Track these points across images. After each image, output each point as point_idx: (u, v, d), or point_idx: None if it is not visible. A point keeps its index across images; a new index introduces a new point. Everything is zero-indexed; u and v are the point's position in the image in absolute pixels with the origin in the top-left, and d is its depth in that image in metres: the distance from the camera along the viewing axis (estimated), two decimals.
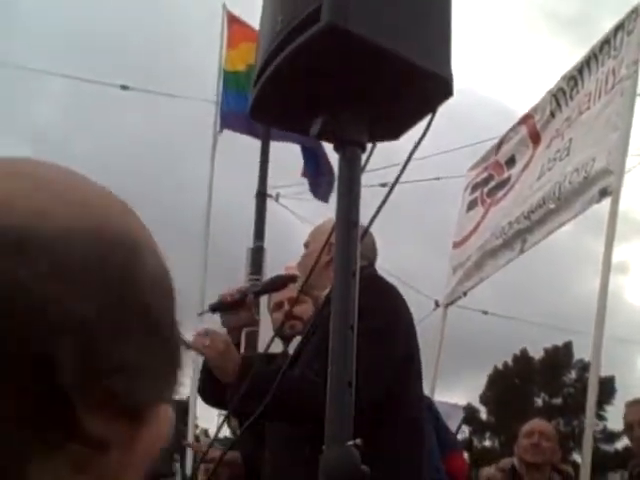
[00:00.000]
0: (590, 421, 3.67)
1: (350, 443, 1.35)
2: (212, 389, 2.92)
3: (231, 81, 12.68)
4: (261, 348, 3.36)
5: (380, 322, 2.26)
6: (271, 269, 12.97)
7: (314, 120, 1.64)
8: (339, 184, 1.60)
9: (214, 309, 2.88)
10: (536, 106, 4.68)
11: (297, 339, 2.66)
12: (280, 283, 2.94)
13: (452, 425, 6.41)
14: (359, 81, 1.56)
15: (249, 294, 2.84)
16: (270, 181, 13.81)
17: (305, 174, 12.52)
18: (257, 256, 13.13)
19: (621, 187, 3.54)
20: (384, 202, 1.70)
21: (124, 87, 11.39)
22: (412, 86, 1.60)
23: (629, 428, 4.13)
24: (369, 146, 1.68)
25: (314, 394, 2.06)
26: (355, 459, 1.34)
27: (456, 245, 5.19)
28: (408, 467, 2.30)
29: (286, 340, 3.25)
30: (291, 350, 2.64)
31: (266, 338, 5.01)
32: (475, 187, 5.20)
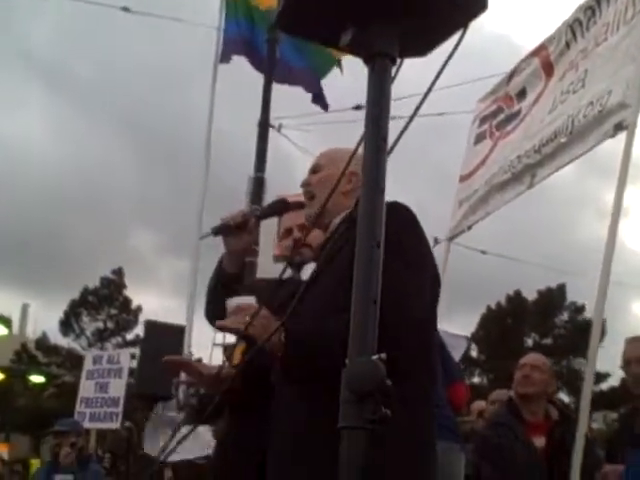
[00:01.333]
0: (592, 363, 3.66)
1: (375, 357, 1.34)
2: (222, 310, 2.92)
3: (231, 7, 12.47)
4: (259, 274, 3.33)
5: (412, 251, 2.25)
6: (271, 199, 12.93)
7: (343, 31, 1.59)
8: (368, 97, 1.55)
9: (216, 232, 2.85)
10: (551, 37, 4.55)
11: (311, 267, 2.63)
12: (283, 207, 2.91)
13: (456, 355, 6.45)
14: None
15: (251, 217, 2.81)
16: (273, 112, 13.70)
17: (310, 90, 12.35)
18: (257, 186, 13.13)
19: (637, 121, 3.47)
20: (405, 128, 1.64)
21: (125, 9, 11.12)
22: None
23: (627, 364, 4.15)
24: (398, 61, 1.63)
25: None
26: (381, 372, 1.32)
27: (463, 178, 5.13)
28: (417, 391, 2.30)
29: (295, 267, 3.24)
30: (305, 277, 2.62)
31: (265, 264, 5.01)
32: (484, 119, 5.12)
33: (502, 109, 4.95)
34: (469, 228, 4.97)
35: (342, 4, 1.57)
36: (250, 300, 2.44)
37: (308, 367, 2.12)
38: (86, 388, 8.43)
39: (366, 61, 1.58)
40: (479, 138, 5.11)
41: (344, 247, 2.36)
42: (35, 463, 7.88)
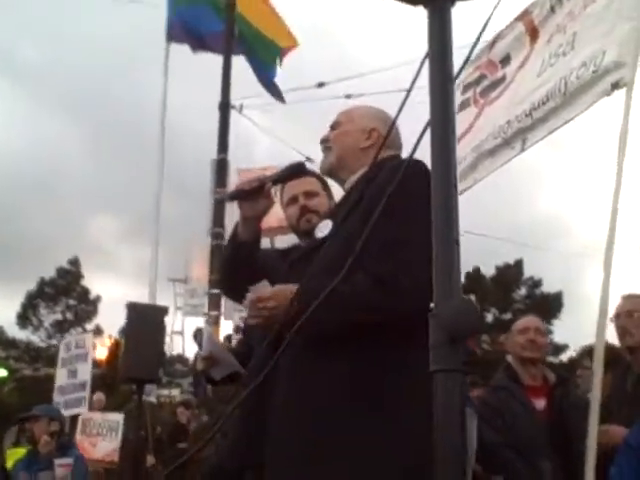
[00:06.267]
0: (600, 338, 3.60)
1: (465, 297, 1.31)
2: (238, 279, 2.87)
3: None
4: None
5: None
6: (234, 180, 12.88)
7: None
8: (430, 41, 1.52)
9: (232, 197, 2.84)
10: (535, 1, 4.56)
11: (326, 224, 2.58)
12: (301, 170, 2.87)
13: None
14: None
15: (267, 182, 2.78)
16: (233, 92, 13.58)
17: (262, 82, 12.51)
18: (221, 168, 13.04)
19: (634, 79, 3.49)
20: (467, 61, 1.61)
21: None
22: None
23: (616, 317, 4.24)
24: None
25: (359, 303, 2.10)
26: (476, 310, 1.30)
27: None
28: None
29: (302, 234, 3.21)
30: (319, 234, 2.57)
31: None
32: (467, 87, 5.10)
33: (485, 76, 4.94)
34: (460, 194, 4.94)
35: None
36: (264, 286, 2.40)
37: (322, 324, 2.08)
38: (60, 376, 8.38)
39: (424, 3, 1.55)
40: (463, 106, 5.09)
41: (355, 209, 2.36)
42: (12, 454, 7.69)
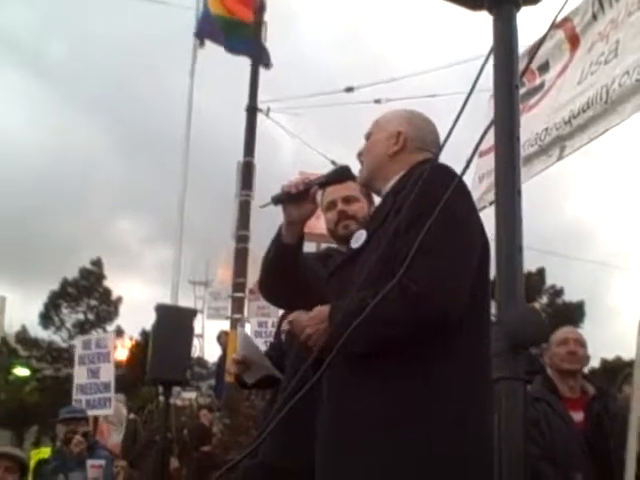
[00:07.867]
0: None
1: (536, 306, 1.30)
2: (280, 282, 2.85)
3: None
4: None
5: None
6: (260, 183, 12.91)
7: None
8: (496, 45, 1.50)
9: (277, 201, 2.77)
10: (576, 9, 4.49)
11: (360, 234, 2.56)
12: (344, 175, 2.83)
13: None
14: None
15: (313, 186, 2.75)
16: (260, 95, 13.62)
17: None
18: (247, 171, 13.07)
19: None
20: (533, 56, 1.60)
21: None
22: None
23: None
24: None
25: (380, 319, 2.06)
26: (540, 318, 1.27)
27: (483, 154, 5.05)
28: None
29: (339, 240, 3.19)
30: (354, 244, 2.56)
31: None
32: None
33: (523, 83, 4.88)
34: (491, 204, 4.91)
35: None
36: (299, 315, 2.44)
37: (353, 344, 2.04)
38: (79, 374, 8.35)
39: (490, 9, 1.53)
40: None
41: (386, 221, 2.35)
42: (36, 454, 7.70)
